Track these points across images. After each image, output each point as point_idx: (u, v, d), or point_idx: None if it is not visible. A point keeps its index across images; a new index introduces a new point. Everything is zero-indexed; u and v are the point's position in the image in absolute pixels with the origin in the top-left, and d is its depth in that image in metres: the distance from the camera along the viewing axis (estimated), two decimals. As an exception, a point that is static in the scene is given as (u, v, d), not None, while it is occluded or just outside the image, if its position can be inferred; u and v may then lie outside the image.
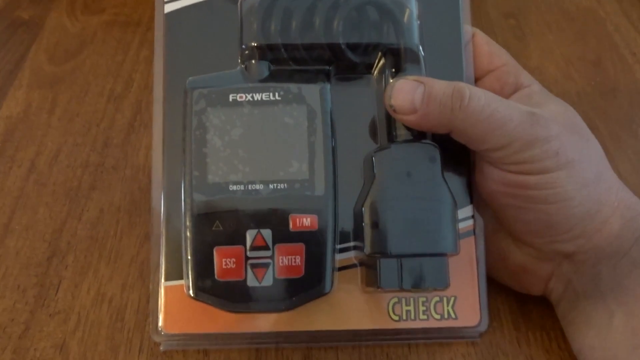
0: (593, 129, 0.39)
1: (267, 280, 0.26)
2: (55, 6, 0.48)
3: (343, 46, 0.28)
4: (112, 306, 0.30)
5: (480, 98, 0.25)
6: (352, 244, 0.28)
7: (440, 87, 0.26)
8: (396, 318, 0.27)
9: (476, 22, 0.47)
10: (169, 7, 0.30)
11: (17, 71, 0.43)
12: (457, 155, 0.28)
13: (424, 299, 0.27)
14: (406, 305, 0.27)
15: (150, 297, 0.27)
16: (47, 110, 0.40)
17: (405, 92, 0.26)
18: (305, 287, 0.26)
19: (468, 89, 0.25)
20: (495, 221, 0.29)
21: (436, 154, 0.27)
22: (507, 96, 0.30)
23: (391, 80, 0.27)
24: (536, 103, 0.28)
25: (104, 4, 0.48)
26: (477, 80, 0.30)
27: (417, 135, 0.27)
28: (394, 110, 0.26)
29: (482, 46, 0.31)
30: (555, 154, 0.25)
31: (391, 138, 0.28)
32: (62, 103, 0.41)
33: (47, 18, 0.47)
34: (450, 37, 0.30)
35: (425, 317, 0.27)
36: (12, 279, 0.31)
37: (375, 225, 0.26)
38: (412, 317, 0.27)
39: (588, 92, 0.42)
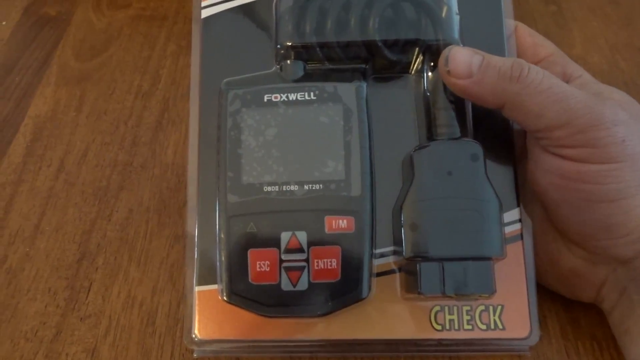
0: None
1: (302, 284, 0.25)
2: (82, 1, 0.48)
3: (379, 44, 0.26)
4: (142, 310, 0.30)
5: (540, 72, 0.24)
6: (391, 248, 0.26)
7: (499, 59, 0.25)
8: (439, 327, 0.25)
9: (515, 9, 0.45)
10: (205, 12, 0.29)
11: (45, 68, 0.43)
12: (502, 154, 0.27)
13: (469, 308, 0.26)
14: (449, 314, 0.26)
15: (181, 302, 0.27)
16: (75, 108, 0.40)
17: (464, 56, 0.25)
18: (342, 291, 0.25)
19: (529, 65, 0.24)
20: (546, 222, 0.27)
21: (479, 151, 0.25)
22: None
23: (430, 76, 0.26)
24: (595, 92, 0.26)
25: (129, -1, 0.48)
26: (522, 73, 0.28)
27: (459, 132, 0.26)
28: (448, 72, 0.25)
29: (526, 38, 0.29)
30: (622, 141, 0.23)
31: (431, 136, 0.26)
32: (89, 101, 0.40)
33: (73, 14, 0.47)
34: (492, 30, 0.29)
35: (470, 327, 0.25)
36: (43, 282, 0.31)
37: (414, 226, 0.25)
38: (456, 326, 0.25)
39: (638, 82, 0.39)
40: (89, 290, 0.31)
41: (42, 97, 0.41)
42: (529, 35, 0.29)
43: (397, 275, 0.26)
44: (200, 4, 0.30)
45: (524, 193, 0.27)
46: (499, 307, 0.26)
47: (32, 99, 0.40)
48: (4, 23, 0.46)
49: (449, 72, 0.25)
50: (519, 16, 0.44)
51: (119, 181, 0.35)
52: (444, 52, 0.25)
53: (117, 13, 0.46)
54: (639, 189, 0.23)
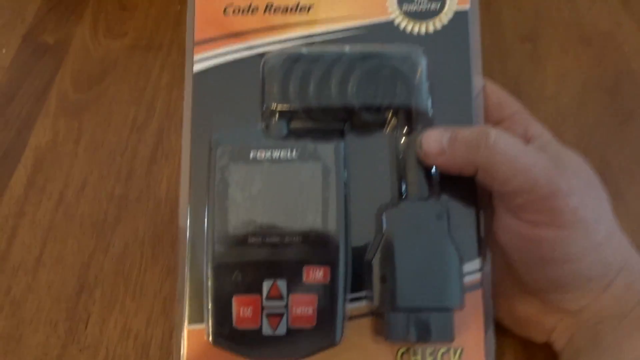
0: (605, 163, 0.40)
1: (281, 329, 0.28)
2: (79, 29, 0.49)
3: (357, 107, 0.29)
4: (137, 341, 0.33)
5: (505, 139, 0.26)
6: (364, 293, 0.29)
7: (467, 130, 0.27)
8: (404, 368, 0.28)
9: (492, 45, 0.47)
10: (197, 67, 0.31)
11: (44, 98, 0.45)
12: (467, 208, 0.29)
13: (432, 350, 0.28)
14: (414, 355, 0.28)
15: (172, 334, 0.29)
16: (74, 139, 0.42)
17: (434, 136, 0.28)
18: (317, 337, 0.28)
19: (494, 131, 0.27)
20: (505, 271, 0.30)
21: (443, 212, 0.28)
22: None
23: (402, 139, 0.29)
24: (552, 155, 0.29)
25: (125, 27, 0.49)
26: (487, 131, 0.31)
27: (427, 193, 0.28)
28: (424, 154, 0.28)
29: (492, 96, 0.31)
30: (575, 211, 0.26)
31: (401, 195, 0.29)
32: (87, 132, 0.42)
33: (71, 42, 0.48)
34: (461, 88, 0.31)
35: (432, 368, 0.28)
36: (45, 313, 0.34)
37: (383, 279, 0.28)
38: (420, 367, 0.28)
39: (603, 122, 0.42)
40: (87, 322, 0.33)
41: (42, 127, 0.43)
42: (495, 94, 0.32)
43: (370, 318, 0.29)
44: (193, 58, 0.32)
45: (487, 244, 0.30)
46: (459, 350, 0.29)
47: (32, 129, 0.43)
48: (4, 51, 0.48)
49: (424, 154, 0.28)
50: (496, 53, 0.47)
51: (115, 214, 0.38)
52: (418, 138, 0.28)
53: (114, 42, 0.48)
54: (587, 253, 0.26)
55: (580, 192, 0.26)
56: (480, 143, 0.26)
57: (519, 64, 0.46)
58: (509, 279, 0.30)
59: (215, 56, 0.32)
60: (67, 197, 0.39)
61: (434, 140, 0.27)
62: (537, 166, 0.26)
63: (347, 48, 0.30)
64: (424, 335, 0.27)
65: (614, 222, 0.28)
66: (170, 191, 0.39)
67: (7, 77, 0.46)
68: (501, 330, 0.31)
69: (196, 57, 0.32)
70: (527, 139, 0.30)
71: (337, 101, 0.29)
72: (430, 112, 0.29)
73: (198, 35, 0.32)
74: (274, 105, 0.29)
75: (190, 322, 0.29)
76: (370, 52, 0.29)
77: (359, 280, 0.29)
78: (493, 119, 0.31)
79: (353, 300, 0.29)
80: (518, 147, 0.26)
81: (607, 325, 0.27)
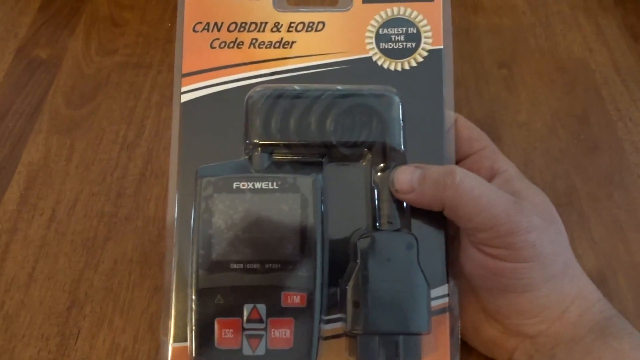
0: (572, 189, 0.42)
1: (261, 350, 0.30)
2: (72, 44, 0.51)
3: (334, 143, 0.31)
4: (125, 357, 0.34)
5: (470, 179, 0.28)
6: (339, 315, 0.31)
7: (435, 169, 0.30)
8: (374, 387, 0.30)
9: (471, 71, 0.49)
10: (185, 97, 0.33)
11: (36, 115, 0.46)
12: (436, 237, 0.32)
13: (401, 372, 0.31)
14: (384, 376, 0.31)
15: (158, 351, 0.31)
16: (65, 157, 0.43)
17: (405, 174, 0.30)
18: (294, 357, 0.30)
19: (459, 171, 0.29)
20: (472, 296, 0.32)
21: (413, 242, 0.30)
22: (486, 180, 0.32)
23: (377, 174, 0.31)
24: (515, 190, 0.31)
25: (116, 44, 0.51)
26: (456, 164, 0.33)
27: (399, 224, 0.30)
28: (396, 191, 0.30)
29: (463, 131, 0.33)
30: (533, 246, 0.28)
31: (374, 225, 0.31)
32: (78, 150, 0.44)
33: (64, 58, 0.50)
34: (433, 123, 0.33)
35: (400, 387, 0.30)
36: (37, 328, 0.35)
37: (356, 304, 0.30)
38: (389, 386, 0.30)
39: (571, 150, 0.44)
40: (77, 337, 0.35)
41: (35, 144, 0.44)
42: (466, 129, 0.34)
43: (344, 339, 0.31)
44: (180, 89, 0.34)
45: (453, 272, 0.32)
46: (427, 371, 0.31)
47: (25, 146, 0.44)
48: (-3, 66, 0.49)
49: (396, 191, 0.30)
50: (473, 79, 0.49)
51: (105, 232, 0.40)
52: (391, 175, 0.30)
53: (105, 59, 0.50)
54: (544, 284, 0.28)
55: (539, 228, 0.28)
56: (447, 182, 0.28)
57: (495, 89, 0.48)
58: (474, 304, 0.32)
59: (202, 88, 0.34)
60: (58, 214, 0.40)
61: (405, 179, 0.30)
62: (499, 204, 0.28)
63: (326, 87, 0.32)
64: (393, 357, 0.29)
65: (571, 254, 0.30)
66: (159, 210, 0.41)
67: (0, 93, 0.47)
68: (467, 350, 0.33)
69: (184, 88, 0.34)
70: (493, 172, 0.33)
71: (316, 137, 0.31)
72: (403, 148, 0.31)
73: (186, 68, 0.34)
74: (256, 140, 0.31)
75: (175, 340, 0.31)
76: (349, 91, 0.31)
77: (335, 302, 0.31)
78: (463, 152, 0.33)
79: (330, 321, 0.31)
80: (481, 186, 0.28)
81: (562, 349, 0.29)
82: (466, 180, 0.28)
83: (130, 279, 0.38)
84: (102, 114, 0.46)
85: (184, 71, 0.34)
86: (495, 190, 0.29)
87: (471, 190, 0.28)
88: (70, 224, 0.40)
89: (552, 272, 0.28)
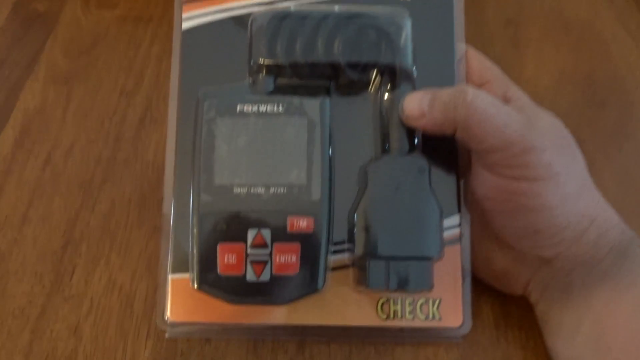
0: (581, 141, 0.41)
1: (265, 276, 0.29)
2: (70, -1, 0.50)
3: (343, 65, 0.30)
4: (122, 294, 0.33)
5: (482, 98, 0.27)
6: (345, 246, 0.30)
7: (446, 90, 0.28)
8: (384, 317, 0.29)
9: (476, 30, 0.49)
10: (186, 25, 0.32)
11: (33, 65, 0.45)
12: (448, 165, 0.31)
13: (411, 300, 0.29)
14: (394, 304, 0.29)
15: (157, 288, 0.30)
16: (62, 105, 0.42)
17: (414, 100, 0.29)
18: (300, 283, 0.29)
19: (471, 89, 0.27)
20: (483, 226, 0.31)
21: (425, 166, 0.29)
22: None
23: (386, 96, 0.30)
24: (529, 115, 0.30)
25: (117, -1, 0.50)
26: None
27: (409, 148, 0.29)
28: (407, 117, 0.29)
29: (474, 61, 0.32)
30: (548, 165, 0.27)
31: (384, 150, 0.30)
32: (76, 98, 0.43)
33: (62, 11, 0.49)
34: (444, 52, 0.32)
35: (411, 317, 0.29)
36: (30, 266, 0.34)
37: (366, 229, 0.28)
38: (399, 316, 0.29)
39: (579, 104, 0.43)
40: (72, 274, 0.34)
41: (31, 92, 0.43)
42: (476, 59, 0.33)
43: (351, 269, 0.30)
44: (181, 15, 0.33)
45: (465, 200, 0.31)
46: (438, 300, 0.30)
47: (20, 94, 0.43)
48: (-6, 17, 0.48)
49: (406, 117, 0.29)
50: (479, 38, 0.48)
51: (102, 174, 0.38)
52: (401, 101, 0.29)
53: (104, 12, 0.49)
54: (560, 202, 0.27)
55: (553, 148, 0.27)
56: (458, 101, 0.27)
57: (501, 47, 0.47)
58: (485, 234, 0.31)
59: (204, 14, 0.32)
60: (54, 158, 0.39)
61: (415, 104, 0.28)
62: (512, 124, 0.27)
63: (335, 8, 0.31)
64: (403, 282, 0.28)
65: (588, 178, 0.29)
66: (158, 155, 0.40)
67: (-3, 44, 0.46)
68: (480, 286, 0.32)
69: (185, 14, 0.33)
70: (506, 100, 0.32)
71: (324, 57, 0.30)
72: (414, 71, 0.30)
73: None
74: (261, 60, 0.30)
75: (174, 271, 0.30)
76: (356, 12, 0.30)
77: (341, 233, 0.30)
78: (474, 83, 0.32)
79: (336, 252, 0.30)
80: (494, 106, 0.27)
81: (579, 273, 0.28)
82: (479, 99, 0.27)
83: (128, 220, 0.36)
84: (100, 64, 0.45)
85: (185, -3, 0.33)
86: (508, 110, 0.28)
87: (483, 110, 0.27)
88: (66, 167, 0.39)
89: (568, 190, 0.27)
